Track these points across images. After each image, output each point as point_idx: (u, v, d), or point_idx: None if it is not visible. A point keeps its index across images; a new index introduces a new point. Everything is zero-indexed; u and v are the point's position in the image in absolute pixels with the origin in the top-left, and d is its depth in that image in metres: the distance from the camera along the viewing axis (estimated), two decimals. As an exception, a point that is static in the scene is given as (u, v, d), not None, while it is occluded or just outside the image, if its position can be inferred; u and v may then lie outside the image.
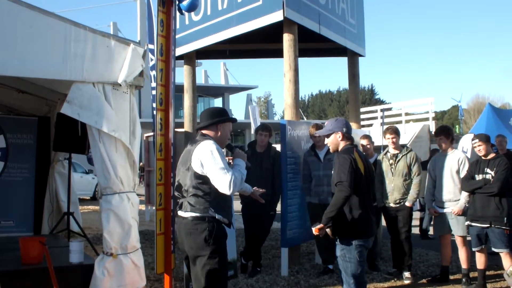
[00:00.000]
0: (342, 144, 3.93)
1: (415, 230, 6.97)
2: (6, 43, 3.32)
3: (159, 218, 4.08)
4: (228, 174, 3.24)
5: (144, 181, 12.92)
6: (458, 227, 5.57)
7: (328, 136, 4.00)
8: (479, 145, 5.33)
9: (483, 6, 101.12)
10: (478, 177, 5.27)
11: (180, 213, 3.47)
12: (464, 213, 5.48)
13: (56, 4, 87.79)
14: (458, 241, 5.63)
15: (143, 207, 11.22)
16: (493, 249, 5.26)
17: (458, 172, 5.58)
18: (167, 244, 4.11)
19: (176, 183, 3.56)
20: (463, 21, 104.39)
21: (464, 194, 5.45)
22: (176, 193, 3.58)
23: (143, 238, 6.68)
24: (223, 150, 3.55)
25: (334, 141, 3.96)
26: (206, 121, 3.54)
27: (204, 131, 3.55)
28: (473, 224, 5.29)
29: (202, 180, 3.35)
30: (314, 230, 3.75)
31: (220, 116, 3.57)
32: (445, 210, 5.65)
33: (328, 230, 3.81)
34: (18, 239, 4.10)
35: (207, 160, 3.29)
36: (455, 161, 5.62)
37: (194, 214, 3.36)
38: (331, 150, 4.12)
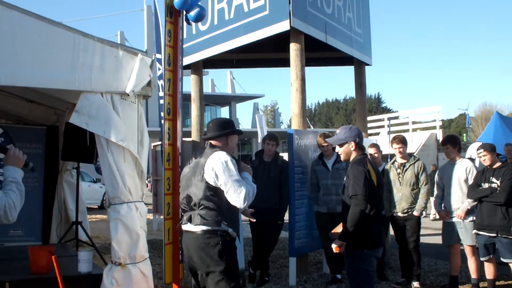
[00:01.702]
0: (354, 154, 3.91)
1: (424, 240, 6.90)
2: (15, 54, 3.35)
3: (167, 227, 4.08)
4: (243, 187, 3.21)
5: (152, 190, 12.93)
6: (467, 237, 5.52)
7: (340, 145, 3.98)
8: (484, 155, 5.32)
9: (490, 14, 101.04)
10: (484, 186, 5.24)
11: (187, 226, 3.36)
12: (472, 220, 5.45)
13: (63, 14, 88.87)
14: (467, 251, 5.58)
15: (151, 216, 11.23)
16: (501, 259, 5.21)
17: (466, 181, 5.55)
18: (175, 254, 4.11)
19: (184, 195, 3.45)
20: (470, 29, 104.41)
21: (469, 199, 5.42)
22: (182, 206, 3.48)
23: (151, 247, 6.70)
24: None
25: (346, 151, 3.93)
26: (215, 131, 3.50)
27: (213, 142, 3.50)
28: (480, 232, 5.26)
29: (215, 192, 3.28)
30: (335, 249, 3.73)
31: (229, 127, 3.55)
32: (453, 220, 5.61)
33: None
34: (27, 248, 4.11)
35: (222, 172, 3.23)
36: (463, 170, 5.59)
37: (205, 228, 3.27)
38: (342, 159, 4.08)
